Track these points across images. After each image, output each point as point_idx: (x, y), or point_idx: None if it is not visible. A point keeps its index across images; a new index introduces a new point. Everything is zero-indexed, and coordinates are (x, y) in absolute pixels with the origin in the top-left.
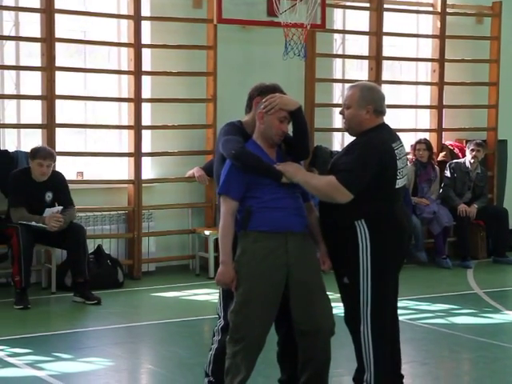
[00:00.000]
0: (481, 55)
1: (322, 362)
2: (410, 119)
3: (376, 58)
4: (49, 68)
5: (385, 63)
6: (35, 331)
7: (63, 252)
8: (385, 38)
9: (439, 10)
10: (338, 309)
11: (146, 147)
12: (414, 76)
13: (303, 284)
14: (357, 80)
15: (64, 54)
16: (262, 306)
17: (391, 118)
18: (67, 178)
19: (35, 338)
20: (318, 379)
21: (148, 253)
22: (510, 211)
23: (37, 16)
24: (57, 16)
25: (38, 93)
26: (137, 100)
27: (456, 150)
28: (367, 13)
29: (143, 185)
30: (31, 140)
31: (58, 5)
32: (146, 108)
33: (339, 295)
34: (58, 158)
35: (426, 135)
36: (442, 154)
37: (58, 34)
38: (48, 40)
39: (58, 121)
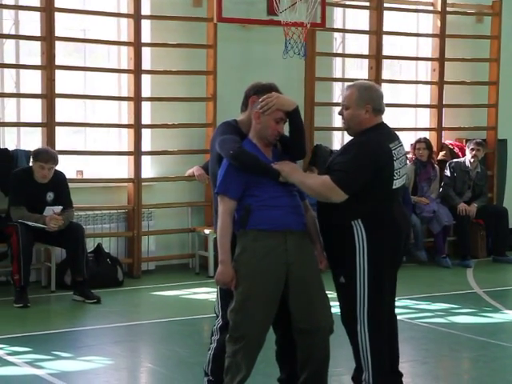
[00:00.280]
0: (481, 54)
1: (322, 360)
2: (409, 118)
3: (376, 57)
4: (49, 67)
5: (385, 62)
6: (35, 330)
7: (63, 251)
8: (385, 37)
9: (439, 8)
10: (337, 308)
11: (146, 146)
12: (414, 75)
13: (303, 282)
14: (357, 79)
15: (64, 53)
16: (262, 304)
17: (391, 117)
18: (67, 176)
19: (35, 336)
20: (317, 378)
21: (148, 251)
22: (509, 210)
23: (37, 14)
24: (57, 14)
25: (38, 91)
26: (137, 99)
27: (456, 149)
28: (367, 12)
29: (143, 183)
30: (31, 139)
31: (57, 3)
32: (145, 107)
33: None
34: (58, 157)
35: (426, 134)
36: (441, 153)
37: (57, 33)
38: (48, 38)
39: (57, 119)
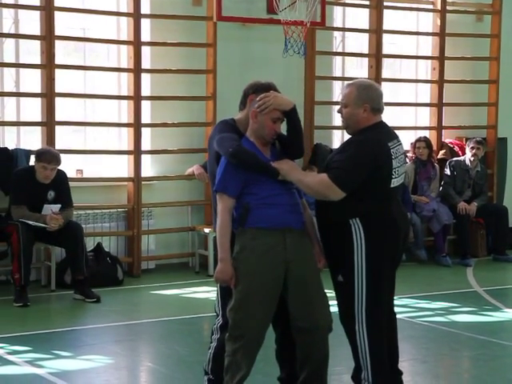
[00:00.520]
0: (481, 53)
1: (321, 359)
2: (409, 117)
3: (376, 56)
4: (48, 66)
5: (385, 61)
6: (35, 329)
7: (63, 250)
8: (385, 36)
9: (439, 7)
10: (336, 307)
11: (146, 145)
12: (414, 74)
13: (302, 280)
14: (357, 78)
15: (63, 52)
16: (261, 302)
17: (391, 116)
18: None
19: (35, 335)
20: (317, 377)
21: (148, 250)
22: (509, 209)
23: (36, 14)
24: (56, 14)
25: (38, 90)
26: (136, 98)
27: (456, 148)
28: (367, 10)
29: (143, 182)
30: (31, 138)
31: (57, 2)
32: (145, 106)
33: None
34: (61, 157)
35: (426, 133)
36: (441, 152)
37: (57, 32)
38: (47, 38)
39: (57, 118)
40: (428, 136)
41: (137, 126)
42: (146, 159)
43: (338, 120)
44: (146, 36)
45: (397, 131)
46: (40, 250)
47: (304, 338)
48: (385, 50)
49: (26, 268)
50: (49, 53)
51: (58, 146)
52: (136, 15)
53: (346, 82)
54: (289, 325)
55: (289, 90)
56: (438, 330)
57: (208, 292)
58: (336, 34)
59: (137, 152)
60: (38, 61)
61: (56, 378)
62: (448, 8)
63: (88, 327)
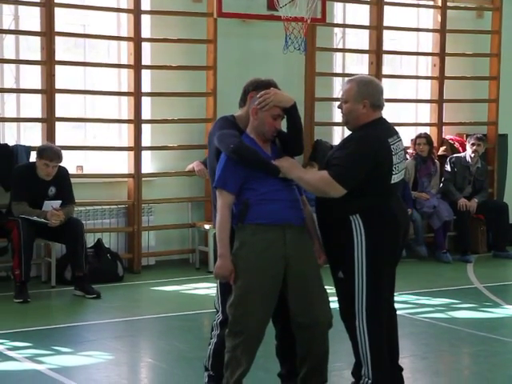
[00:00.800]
0: (481, 49)
1: (321, 355)
2: (410, 113)
3: (376, 52)
4: (48, 62)
5: (385, 57)
6: (35, 325)
7: (63, 246)
8: (385, 32)
9: (440, 3)
10: (336, 303)
11: (146, 141)
12: (415, 70)
13: (301, 276)
14: (357, 74)
15: (64, 48)
16: (261, 298)
17: (391, 113)
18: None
19: (35, 331)
20: (317, 373)
21: (148, 247)
22: (510, 205)
23: (36, 10)
24: (56, 10)
25: (38, 87)
26: (137, 94)
27: (456, 145)
28: (368, 7)
29: (143, 179)
30: (31, 134)
31: None
32: (145, 102)
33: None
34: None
35: (427, 129)
36: (442, 149)
37: (57, 28)
38: (48, 34)
39: (57, 115)
40: (428, 132)
41: (137, 122)
42: (146, 155)
43: (338, 116)
44: (146, 32)
45: (397, 127)
46: (40, 246)
47: (304, 334)
48: (385, 47)
49: (27, 264)
50: (49, 49)
51: (58, 142)
52: (136, 11)
53: (346, 78)
54: (289, 321)
55: (289, 86)
56: (438, 326)
57: (208, 288)
58: (336, 30)
59: (137, 148)
60: (38, 57)
61: (56, 373)
62: (448, 4)
63: (88, 323)
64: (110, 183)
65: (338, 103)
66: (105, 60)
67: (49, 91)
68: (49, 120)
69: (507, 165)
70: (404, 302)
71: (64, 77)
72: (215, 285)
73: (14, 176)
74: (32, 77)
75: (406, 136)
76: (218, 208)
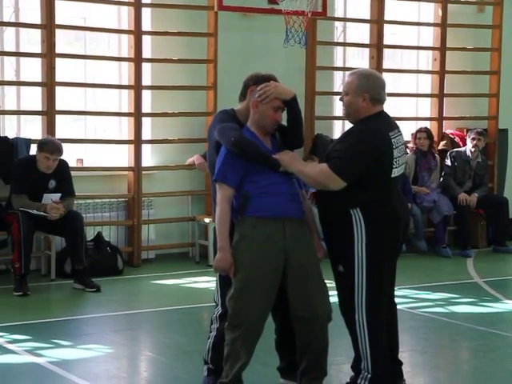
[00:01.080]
0: (482, 44)
1: (321, 348)
2: (410, 108)
3: (377, 46)
4: (49, 55)
5: (386, 51)
6: (35, 318)
7: (63, 239)
8: (386, 26)
9: None
10: (336, 297)
11: (146, 134)
12: (415, 64)
13: (301, 269)
14: (358, 68)
15: (64, 41)
16: (260, 291)
17: (392, 107)
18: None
19: (35, 324)
20: (316, 366)
21: (148, 240)
22: (510, 200)
23: (37, 2)
24: (57, 2)
25: (38, 79)
26: (137, 87)
27: (457, 139)
28: (368, 0)
29: (143, 172)
30: (31, 127)
31: None
32: (146, 95)
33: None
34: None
35: (427, 124)
36: (442, 143)
37: (58, 21)
38: (48, 26)
39: (57, 108)
40: (429, 127)
41: (137, 115)
42: (146, 149)
43: (338, 110)
44: (146, 25)
45: (398, 122)
46: (40, 240)
47: (303, 328)
48: (386, 41)
49: (26, 257)
50: (49, 42)
51: (59, 135)
52: (137, 4)
53: (348, 73)
54: (288, 315)
55: (289, 80)
56: (438, 320)
57: (208, 282)
58: (337, 24)
59: (137, 142)
60: (38, 50)
61: (56, 366)
62: None
63: (88, 316)
64: (110, 176)
65: (338, 97)
66: (105, 53)
67: (49, 84)
68: (49, 113)
69: (507, 159)
70: (404, 297)
71: (64, 70)
72: (215, 278)
73: (14, 169)
74: (32, 69)
75: (407, 130)
76: (218, 201)
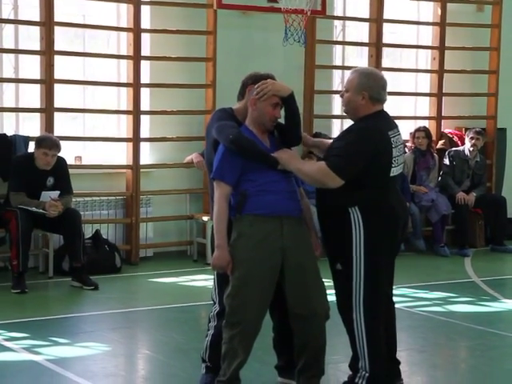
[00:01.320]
0: (481, 43)
1: (318, 346)
2: (409, 107)
3: (376, 45)
4: (48, 52)
5: (385, 50)
6: (32, 315)
7: (61, 237)
8: (385, 25)
9: None
10: (334, 295)
11: (145, 132)
12: (414, 63)
13: (299, 267)
14: (356, 67)
15: (63, 38)
16: (258, 289)
17: (390, 106)
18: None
19: (32, 322)
20: (314, 365)
21: (146, 238)
22: (508, 200)
23: None
24: (56, 0)
25: (37, 77)
26: (136, 85)
27: (455, 138)
28: None
29: (141, 170)
30: (30, 124)
31: None
32: (144, 93)
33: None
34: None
35: (426, 123)
36: (441, 142)
37: (57, 18)
38: (47, 24)
39: (56, 105)
40: (427, 126)
41: (136, 113)
42: (144, 147)
43: (337, 109)
44: (145, 23)
45: (396, 121)
46: (38, 237)
47: (301, 326)
48: (385, 40)
49: (25, 255)
50: (48, 39)
51: (57, 132)
52: (136, 2)
53: (347, 71)
54: (286, 313)
55: (288, 78)
56: (436, 319)
57: (206, 280)
58: (336, 22)
59: (135, 139)
60: (37, 47)
61: (53, 364)
62: None
63: (85, 314)
64: (108, 174)
65: (337, 96)
66: (104, 50)
67: (48, 81)
68: (47, 110)
69: (505, 159)
70: (402, 296)
71: (63, 67)
72: (213, 277)
73: (13, 166)
74: (31, 67)
75: (405, 129)
76: (216, 199)
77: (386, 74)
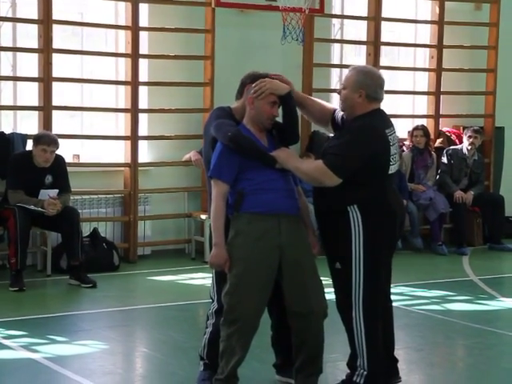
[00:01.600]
0: (479, 41)
1: (316, 344)
2: (407, 105)
3: (374, 44)
4: (46, 50)
5: (383, 49)
6: (30, 313)
7: (58, 234)
8: (383, 24)
9: None
10: (332, 294)
11: (143, 131)
12: (412, 62)
13: (296, 265)
14: (353, 65)
15: (61, 36)
16: (256, 287)
17: (388, 104)
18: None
19: (30, 320)
20: (312, 363)
21: (144, 236)
22: (506, 198)
23: None
24: None
25: (35, 75)
26: (134, 83)
27: (453, 137)
28: None
29: (139, 168)
30: (28, 122)
31: None
32: (142, 91)
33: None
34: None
35: (424, 121)
36: (439, 141)
37: (55, 16)
38: (45, 22)
39: (54, 103)
40: (425, 124)
41: (134, 111)
42: (142, 145)
43: (336, 107)
44: (144, 21)
45: (394, 119)
46: (36, 235)
47: (299, 324)
48: (383, 38)
49: (23, 253)
50: (46, 37)
51: (55, 130)
52: (134, 0)
53: (345, 70)
54: (284, 311)
55: (287, 76)
56: (434, 318)
57: (204, 278)
58: (334, 21)
59: (134, 137)
60: (35, 45)
61: (51, 362)
62: None
63: (83, 312)
64: (106, 172)
65: (335, 94)
66: (102, 49)
67: (46, 79)
68: (45, 108)
69: (503, 157)
70: (399, 294)
71: (61, 65)
72: (211, 275)
73: (11, 164)
74: (29, 65)
75: (403, 128)
76: (213, 197)
77: (383, 73)
